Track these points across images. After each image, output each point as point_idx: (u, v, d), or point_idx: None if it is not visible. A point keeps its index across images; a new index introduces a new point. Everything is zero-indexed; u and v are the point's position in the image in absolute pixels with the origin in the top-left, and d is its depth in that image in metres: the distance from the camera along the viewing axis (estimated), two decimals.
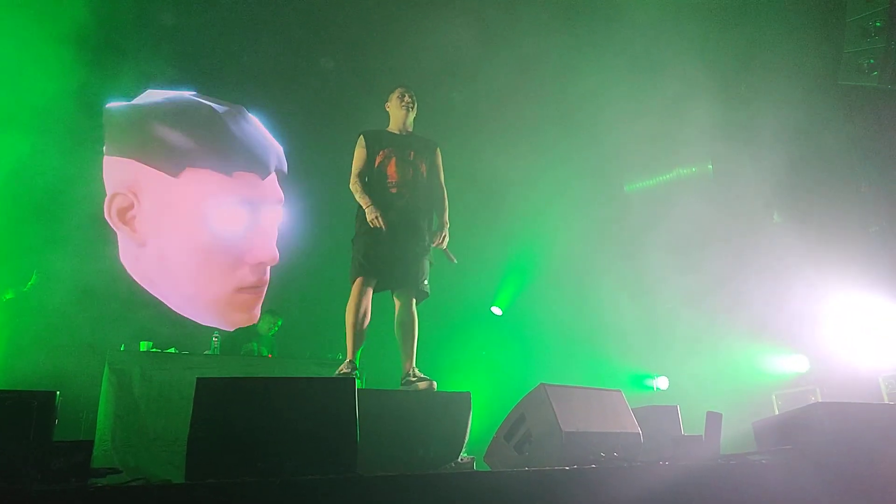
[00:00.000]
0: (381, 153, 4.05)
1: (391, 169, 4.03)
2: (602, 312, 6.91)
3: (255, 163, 7.14)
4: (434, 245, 4.10)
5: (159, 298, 6.53)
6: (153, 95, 6.88)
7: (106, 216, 6.38)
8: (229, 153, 7.01)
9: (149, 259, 6.53)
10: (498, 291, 7.79)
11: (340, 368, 3.66)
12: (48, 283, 5.75)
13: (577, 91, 6.54)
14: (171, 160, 6.73)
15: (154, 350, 5.60)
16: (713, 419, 3.24)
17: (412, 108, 4.16)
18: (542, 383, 3.07)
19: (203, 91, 7.10)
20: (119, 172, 6.56)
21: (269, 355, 6.33)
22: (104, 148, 6.56)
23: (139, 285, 6.39)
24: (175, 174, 6.72)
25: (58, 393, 2.35)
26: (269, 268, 7.06)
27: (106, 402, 5.20)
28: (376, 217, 3.83)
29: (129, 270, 6.40)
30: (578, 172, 7.15)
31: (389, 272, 3.90)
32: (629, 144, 7.05)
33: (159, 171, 6.67)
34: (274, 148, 7.46)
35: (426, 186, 4.12)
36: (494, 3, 6.25)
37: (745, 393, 6.08)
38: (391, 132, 4.19)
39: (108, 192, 6.45)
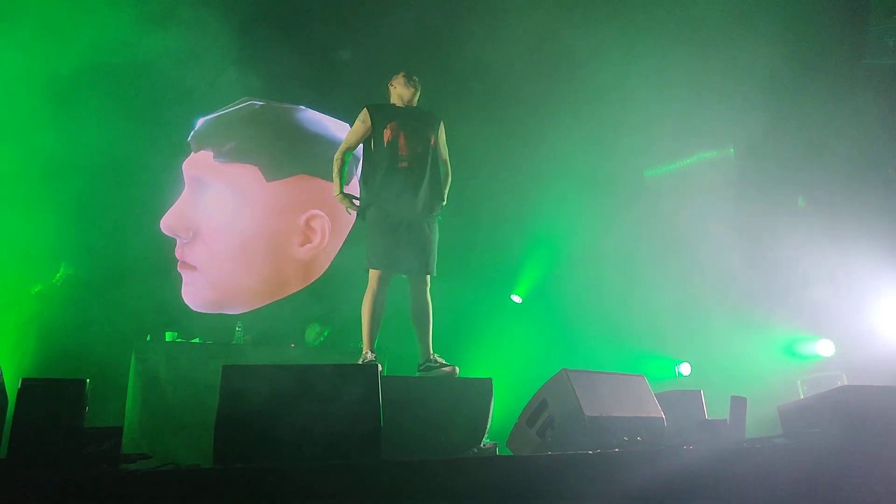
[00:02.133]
0: (389, 127, 3.96)
1: (401, 142, 3.95)
2: (623, 299, 6.86)
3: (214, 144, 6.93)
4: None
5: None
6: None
7: None
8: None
9: None
10: (518, 279, 7.76)
11: (364, 356, 3.69)
12: (76, 274, 5.85)
13: (597, 75, 6.48)
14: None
15: (179, 340, 5.68)
16: (738, 403, 3.22)
17: (419, 88, 4.11)
18: (563, 368, 3.07)
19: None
20: None
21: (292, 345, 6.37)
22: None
23: (167, 275, 6.41)
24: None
25: (87, 381, 2.40)
26: (181, 244, 6.55)
27: (133, 391, 5.30)
28: (345, 206, 3.92)
29: None
30: (598, 157, 7.08)
31: (404, 258, 3.87)
32: (651, 128, 6.96)
33: None
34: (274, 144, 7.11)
35: (435, 160, 4.09)
36: None
37: (770, 379, 6.02)
38: (396, 105, 4.12)
39: None
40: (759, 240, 6.32)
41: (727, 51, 5.81)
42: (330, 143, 7.24)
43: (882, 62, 5.18)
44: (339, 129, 7.37)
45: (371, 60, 6.43)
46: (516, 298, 7.70)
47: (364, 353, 3.71)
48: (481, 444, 3.45)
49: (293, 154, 7.11)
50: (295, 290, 7.01)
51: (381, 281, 3.80)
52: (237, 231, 6.77)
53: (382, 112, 4.03)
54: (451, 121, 4.38)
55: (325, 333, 6.56)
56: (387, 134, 3.95)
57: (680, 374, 7.14)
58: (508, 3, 6.23)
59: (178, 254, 6.50)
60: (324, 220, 7.10)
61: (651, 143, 7.25)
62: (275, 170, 6.98)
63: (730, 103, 6.01)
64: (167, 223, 6.48)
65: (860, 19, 5.25)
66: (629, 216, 7.11)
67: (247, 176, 6.89)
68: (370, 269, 3.83)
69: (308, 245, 7.01)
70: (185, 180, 6.66)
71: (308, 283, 7.09)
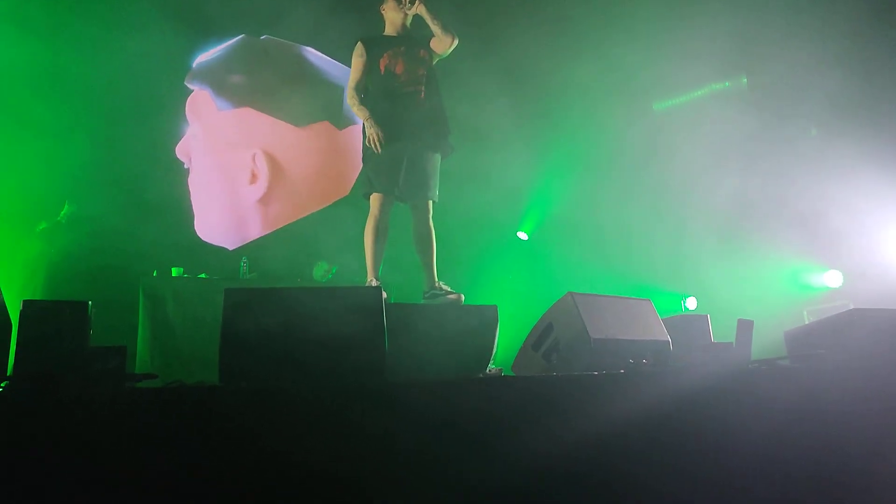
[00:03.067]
0: (385, 56, 3.93)
1: (400, 68, 3.92)
2: (630, 234, 6.83)
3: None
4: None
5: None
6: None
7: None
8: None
9: None
10: (524, 216, 7.72)
11: (369, 283, 3.69)
12: (80, 211, 5.82)
13: (607, 6, 6.27)
14: None
15: (186, 276, 5.71)
16: (744, 326, 3.20)
17: (411, 7, 3.98)
18: (569, 292, 3.05)
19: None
20: None
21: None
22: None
23: (172, 210, 6.35)
24: None
25: (90, 302, 2.39)
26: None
27: (143, 327, 5.38)
28: (376, 134, 3.75)
29: None
30: (607, 91, 6.92)
31: (405, 183, 3.83)
32: (658, 60, 6.77)
33: None
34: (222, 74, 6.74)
35: (436, 84, 4.03)
36: None
37: (777, 310, 6.00)
38: (390, 35, 4.06)
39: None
40: (770, 170, 6.22)
41: None
42: (297, 83, 6.88)
43: None
44: (325, 69, 7.06)
45: None
46: (522, 235, 7.69)
47: (368, 280, 3.71)
48: (487, 370, 3.46)
49: (243, 85, 6.74)
50: (258, 235, 6.70)
51: (383, 207, 3.77)
52: (201, 161, 6.57)
53: (376, 42, 4.01)
54: (456, 55, 4.25)
55: (334, 270, 6.56)
56: (383, 63, 3.93)
57: (687, 308, 7.16)
58: None
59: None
60: (263, 161, 6.64)
61: (660, 76, 7.08)
62: (223, 99, 6.62)
63: (741, 27, 5.81)
64: (177, 148, 6.49)
65: None
66: (638, 150, 7.00)
67: (202, 103, 6.60)
68: (371, 195, 3.80)
69: (254, 185, 6.65)
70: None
71: (271, 230, 6.75)
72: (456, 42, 4.00)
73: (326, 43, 6.96)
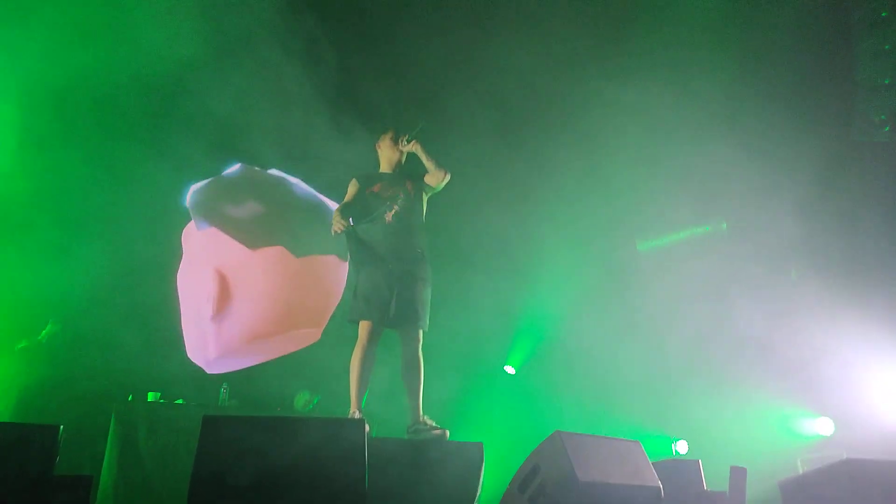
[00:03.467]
0: (376, 186, 4.03)
1: (387, 198, 3.99)
2: (618, 376, 6.77)
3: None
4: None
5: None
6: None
7: None
8: None
9: None
10: (511, 351, 7.68)
11: (351, 414, 3.58)
12: (63, 331, 5.73)
13: (590, 147, 6.61)
14: None
15: (162, 401, 5.53)
16: (737, 474, 3.11)
17: (406, 145, 4.09)
18: (557, 431, 2.97)
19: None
20: None
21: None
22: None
23: (155, 334, 6.20)
24: None
25: (61, 427, 2.31)
26: None
27: (111, 456, 5.11)
28: (337, 220, 3.75)
29: None
30: (589, 232, 7.13)
31: (394, 310, 3.79)
32: (642, 202, 7.05)
33: None
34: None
35: (420, 209, 4.08)
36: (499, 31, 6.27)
37: (769, 458, 5.85)
38: (384, 172, 4.17)
39: None
40: (754, 316, 6.29)
41: (716, 124, 5.95)
42: (259, 206, 6.94)
43: (869, 139, 5.33)
44: (298, 195, 7.14)
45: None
46: (510, 369, 7.60)
47: (351, 412, 3.60)
48: None
49: (215, 205, 6.71)
50: (214, 356, 6.31)
51: (371, 335, 3.72)
52: (187, 281, 6.46)
53: (369, 178, 4.12)
54: (449, 186, 4.38)
55: (315, 401, 6.40)
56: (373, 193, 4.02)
57: (677, 452, 6.97)
58: (492, 63, 6.37)
59: None
60: (215, 280, 6.70)
61: (643, 219, 7.34)
62: (201, 219, 6.61)
63: (721, 177, 6.11)
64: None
65: (848, 97, 5.44)
66: (625, 288, 7.10)
67: (190, 227, 6.59)
68: (360, 322, 3.77)
69: (208, 303, 6.63)
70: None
71: (222, 351, 6.39)
72: (448, 177, 4.08)
73: (313, 173, 7.17)
